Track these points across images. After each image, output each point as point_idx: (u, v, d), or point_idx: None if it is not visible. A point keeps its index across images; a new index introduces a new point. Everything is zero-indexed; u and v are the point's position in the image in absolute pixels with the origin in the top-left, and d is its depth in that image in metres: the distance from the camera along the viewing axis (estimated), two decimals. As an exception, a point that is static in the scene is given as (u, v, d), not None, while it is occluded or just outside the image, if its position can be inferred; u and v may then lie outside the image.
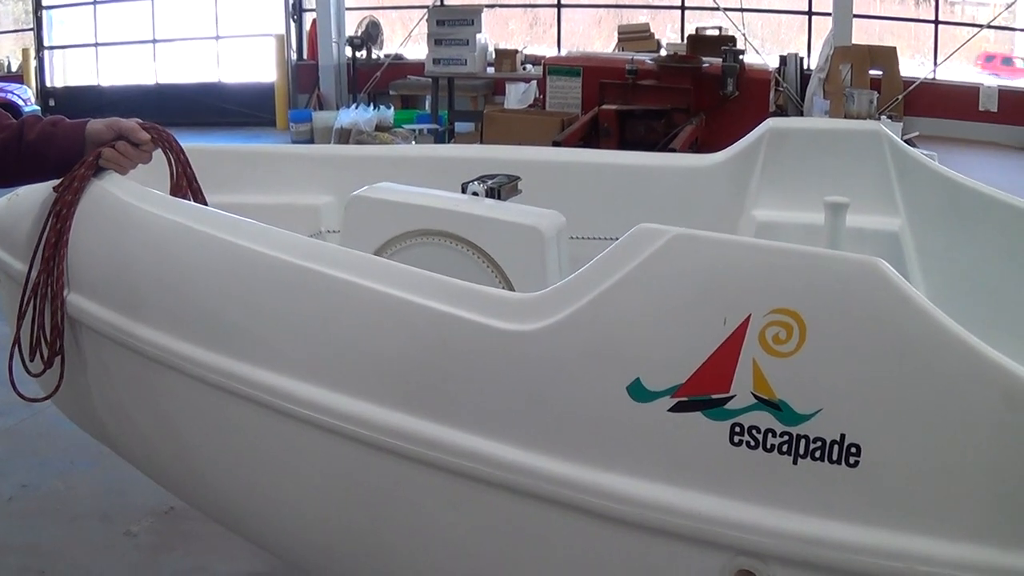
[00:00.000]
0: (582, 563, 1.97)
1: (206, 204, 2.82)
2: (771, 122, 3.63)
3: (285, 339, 2.21)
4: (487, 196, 3.15)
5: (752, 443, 1.74)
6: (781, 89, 14.32)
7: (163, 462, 2.78)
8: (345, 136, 12.74)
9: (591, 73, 10.29)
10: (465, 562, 2.13)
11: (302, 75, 17.67)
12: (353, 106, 14.06)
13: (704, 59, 10.30)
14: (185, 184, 2.78)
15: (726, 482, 1.78)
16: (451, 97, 13.25)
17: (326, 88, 17.01)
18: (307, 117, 14.63)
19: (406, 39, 17.10)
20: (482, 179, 3.21)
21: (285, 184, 3.68)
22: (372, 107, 13.78)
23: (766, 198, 3.56)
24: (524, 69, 14.51)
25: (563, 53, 14.99)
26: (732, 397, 1.74)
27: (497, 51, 14.79)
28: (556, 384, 1.89)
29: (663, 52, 13.00)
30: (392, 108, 13.82)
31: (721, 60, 10.13)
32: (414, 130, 12.48)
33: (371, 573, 2.34)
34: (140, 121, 2.67)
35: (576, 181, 3.59)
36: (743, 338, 1.72)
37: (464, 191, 3.18)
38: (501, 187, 3.19)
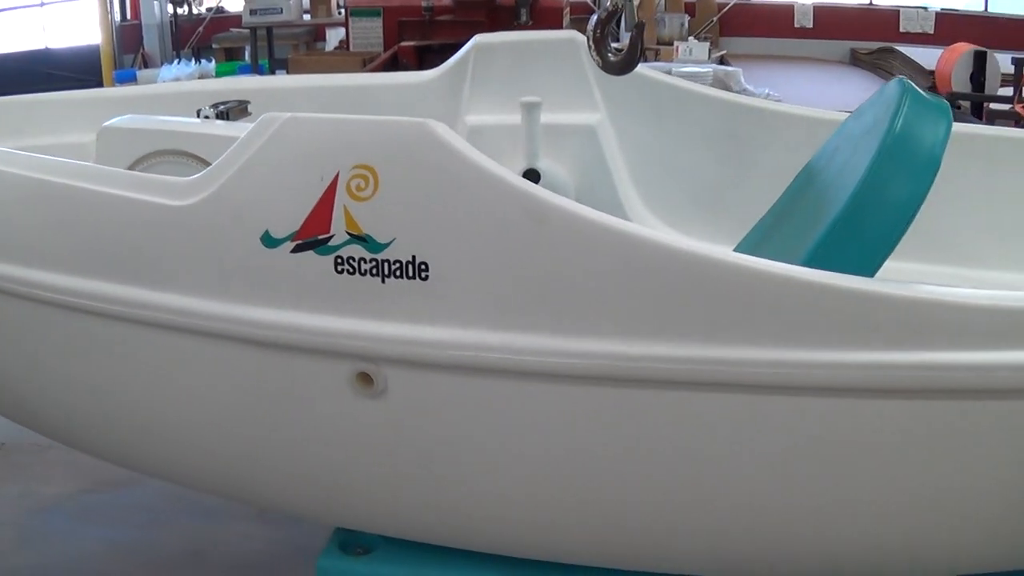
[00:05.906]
0: (238, 384, 2.49)
1: None
2: (478, 38, 4.11)
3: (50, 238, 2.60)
4: (217, 119, 3.63)
5: (351, 270, 2.27)
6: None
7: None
8: (168, 91, 12.84)
9: (390, 13, 10.74)
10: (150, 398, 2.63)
11: (126, 35, 17.56)
12: (175, 62, 14.22)
13: (499, -9, 10.77)
14: None
15: (338, 303, 2.30)
16: (271, 46, 13.41)
17: (150, 46, 17.01)
18: (131, 76, 14.58)
19: (227, -8, 17.21)
20: (215, 105, 3.67)
21: (56, 127, 4.00)
22: (195, 61, 13.95)
23: (476, 105, 4.06)
24: (340, 14, 14.76)
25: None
26: (332, 236, 2.26)
27: (313, -2, 15.04)
28: (212, 242, 2.39)
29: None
30: (214, 61, 13.99)
31: (515, -8, 10.61)
32: (235, 81, 12.63)
33: (104, 429, 2.82)
34: None
35: (303, 103, 3.96)
36: (335, 190, 2.24)
37: (198, 116, 3.65)
38: (230, 110, 3.66)
